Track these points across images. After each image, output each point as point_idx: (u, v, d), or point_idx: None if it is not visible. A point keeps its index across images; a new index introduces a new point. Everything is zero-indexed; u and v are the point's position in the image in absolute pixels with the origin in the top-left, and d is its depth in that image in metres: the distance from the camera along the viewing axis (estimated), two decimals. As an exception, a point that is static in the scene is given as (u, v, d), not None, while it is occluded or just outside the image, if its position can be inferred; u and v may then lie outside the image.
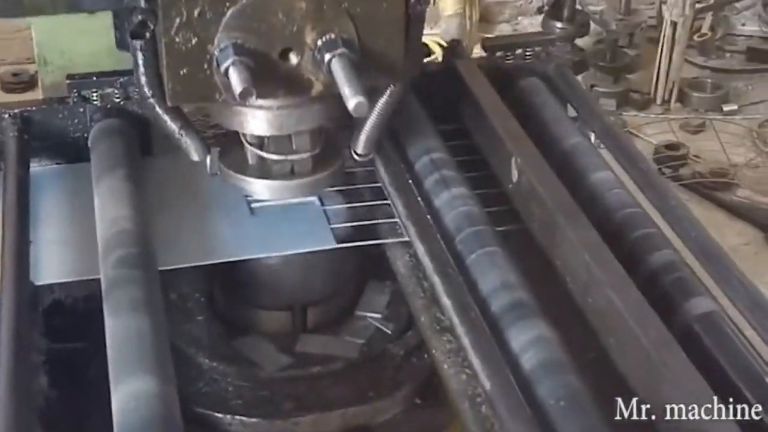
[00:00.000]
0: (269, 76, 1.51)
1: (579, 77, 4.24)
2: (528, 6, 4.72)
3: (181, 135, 1.63)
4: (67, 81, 1.81)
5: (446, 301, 1.47)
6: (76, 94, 1.81)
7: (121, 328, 1.42)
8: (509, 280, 1.48)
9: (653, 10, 4.55)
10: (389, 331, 1.81)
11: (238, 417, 1.66)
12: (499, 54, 1.95)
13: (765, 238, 3.59)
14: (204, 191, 1.78)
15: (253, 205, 1.75)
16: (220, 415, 1.66)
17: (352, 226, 1.73)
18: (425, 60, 1.90)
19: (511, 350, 1.40)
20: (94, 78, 1.82)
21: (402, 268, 1.67)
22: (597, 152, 1.76)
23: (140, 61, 1.54)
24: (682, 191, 3.84)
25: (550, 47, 1.94)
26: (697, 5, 4.42)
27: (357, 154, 1.71)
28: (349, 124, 1.69)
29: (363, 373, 1.74)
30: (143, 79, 1.55)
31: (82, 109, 1.82)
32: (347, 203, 1.77)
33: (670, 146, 4.03)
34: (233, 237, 1.70)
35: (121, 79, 1.80)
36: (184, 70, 1.50)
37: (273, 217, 1.74)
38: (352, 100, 1.42)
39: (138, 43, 1.51)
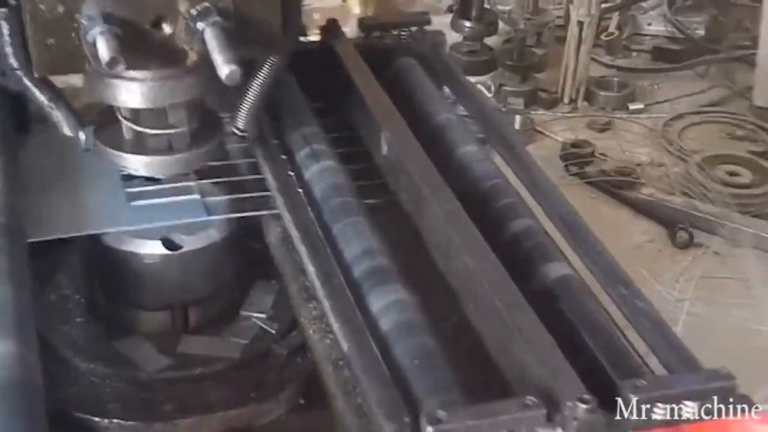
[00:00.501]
0: (141, 47, 1.50)
1: (487, 76, 4.35)
2: (438, 5, 4.77)
3: (52, 108, 1.62)
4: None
5: (310, 269, 1.51)
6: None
7: None
8: (371, 248, 1.52)
9: (561, 9, 4.63)
10: (273, 331, 1.82)
11: (115, 420, 1.65)
12: (376, 34, 1.99)
13: (668, 235, 3.65)
14: (80, 168, 1.80)
15: (128, 189, 1.76)
16: (97, 418, 1.65)
17: (227, 200, 1.77)
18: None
19: (370, 314, 1.44)
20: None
21: (273, 239, 1.71)
22: (466, 127, 1.81)
23: (4, 31, 1.52)
24: (588, 189, 3.90)
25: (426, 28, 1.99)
26: (604, 5, 4.49)
27: (239, 130, 1.72)
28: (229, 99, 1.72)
29: (245, 374, 1.75)
30: (8, 50, 1.54)
31: (-43, 84, 1.81)
32: (222, 177, 1.79)
33: (577, 144, 4.09)
34: (105, 209, 1.71)
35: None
36: (51, 40, 1.49)
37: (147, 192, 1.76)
38: (224, 68, 1.42)
39: (1, 12, 1.50)
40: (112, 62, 1.40)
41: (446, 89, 1.96)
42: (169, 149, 1.69)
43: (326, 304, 1.44)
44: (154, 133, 1.67)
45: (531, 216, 1.60)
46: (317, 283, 1.48)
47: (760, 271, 3.32)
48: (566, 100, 4.42)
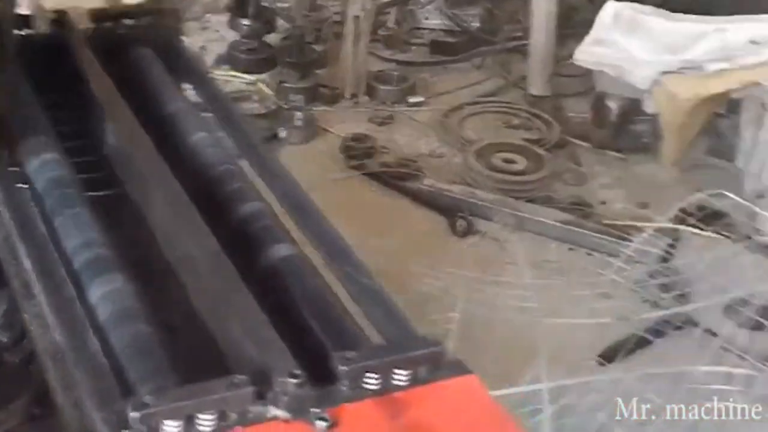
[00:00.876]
0: None
1: (267, 74, 4.34)
2: (216, 3, 4.75)
3: None
4: None
5: (28, 264, 1.48)
6: None
7: None
8: (92, 239, 1.49)
9: (339, 5, 4.66)
10: (4, 339, 1.77)
11: None
12: (108, 25, 1.96)
13: (449, 224, 3.72)
14: None
15: None
16: None
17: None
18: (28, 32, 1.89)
19: (89, 305, 1.41)
20: None
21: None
22: (198, 115, 1.80)
23: None
24: (369, 182, 3.94)
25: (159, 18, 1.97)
26: (382, 0, 4.57)
27: None
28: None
29: None
30: None
31: None
32: None
33: (357, 138, 4.12)
34: None
35: None
36: None
37: None
38: None
39: None
40: None
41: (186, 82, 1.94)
42: None
43: (43, 297, 1.41)
44: None
45: (260, 199, 1.60)
46: (34, 278, 1.44)
47: (531, 253, 3.40)
48: (347, 95, 4.45)
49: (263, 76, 4.34)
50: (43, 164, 1.63)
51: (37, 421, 1.70)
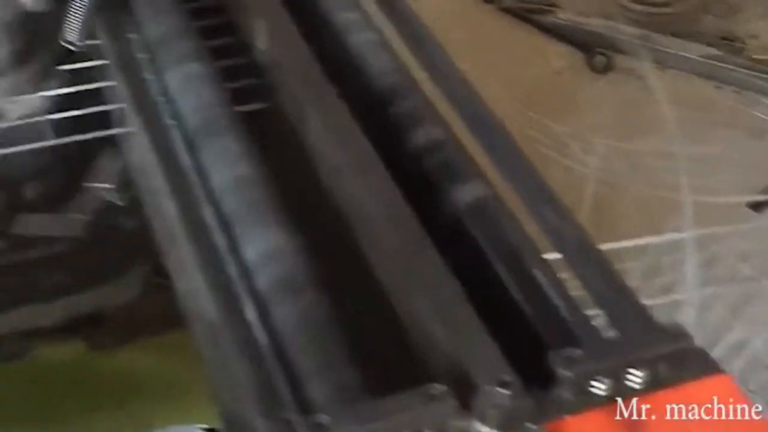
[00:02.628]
0: None
1: None
2: None
3: None
4: None
5: (171, 208, 1.18)
6: None
7: None
8: (243, 175, 1.19)
9: None
10: (121, 203, 1.53)
11: None
12: None
13: (584, 59, 3.37)
14: None
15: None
16: None
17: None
18: None
19: (245, 265, 1.12)
20: None
21: (135, 161, 1.37)
22: (359, 6, 1.45)
23: None
24: (501, 16, 3.57)
25: None
26: None
27: (69, 43, 1.39)
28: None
29: (89, 254, 1.48)
30: None
31: None
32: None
33: (490, -32, 3.73)
34: None
35: None
36: None
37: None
38: None
39: None
40: None
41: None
42: None
43: (190, 257, 1.11)
44: None
45: (439, 121, 1.26)
46: (178, 228, 1.15)
47: (675, 91, 3.06)
48: None
49: None
50: (187, 78, 1.31)
51: (159, 291, 1.47)
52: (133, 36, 1.40)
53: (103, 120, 1.41)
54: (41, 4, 1.15)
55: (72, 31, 1.38)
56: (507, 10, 3.58)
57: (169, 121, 1.29)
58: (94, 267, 1.46)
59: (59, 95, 1.43)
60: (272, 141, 1.31)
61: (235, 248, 1.12)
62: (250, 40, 1.42)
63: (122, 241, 1.48)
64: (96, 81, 1.44)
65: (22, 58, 1.40)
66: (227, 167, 1.19)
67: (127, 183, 1.51)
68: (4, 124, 1.42)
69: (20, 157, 1.43)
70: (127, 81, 1.33)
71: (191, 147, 1.25)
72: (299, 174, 1.26)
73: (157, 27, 1.39)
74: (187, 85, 1.31)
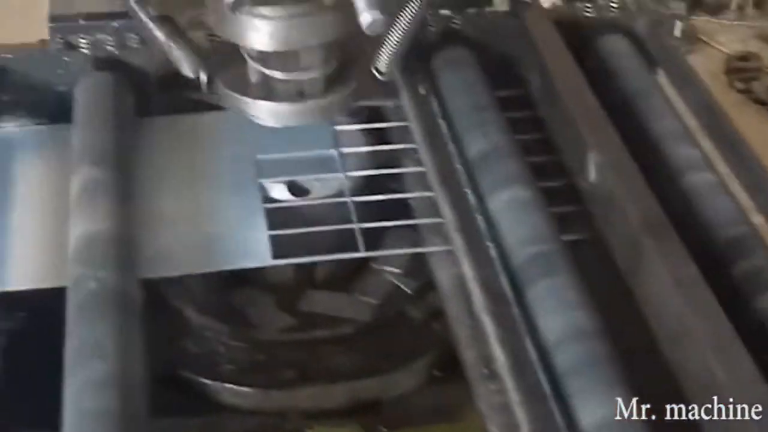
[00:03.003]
0: None
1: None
2: None
3: (170, 46, 1.33)
4: (50, 24, 1.42)
5: (497, 352, 1.09)
6: (60, 41, 1.42)
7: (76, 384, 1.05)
8: (581, 326, 1.09)
9: None
10: (409, 290, 1.48)
11: (228, 385, 1.37)
12: (577, 4, 1.52)
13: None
14: (206, 163, 1.41)
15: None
16: (208, 381, 1.37)
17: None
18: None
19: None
20: (82, 21, 1.42)
21: (444, 281, 1.30)
22: (695, 141, 1.34)
23: None
24: (755, 109, 3.39)
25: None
26: None
27: (379, 72, 1.39)
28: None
29: (375, 340, 1.43)
30: None
31: (67, 59, 1.43)
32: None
33: (744, 57, 3.55)
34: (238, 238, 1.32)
35: (116, 24, 1.41)
36: None
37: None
38: (366, 16, 1.13)
39: None
40: (235, 4, 1.17)
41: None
42: (299, 95, 1.37)
43: (519, 412, 1.03)
44: (284, 78, 1.36)
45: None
46: (507, 378, 1.07)
47: None
48: (734, 6, 3.85)
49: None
50: (511, 201, 1.24)
51: (437, 384, 1.43)
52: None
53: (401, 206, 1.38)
54: (376, 26, 1.11)
55: (382, 61, 1.37)
56: (762, 104, 3.41)
57: (489, 244, 1.22)
58: (380, 353, 1.41)
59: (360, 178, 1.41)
60: (590, 275, 1.21)
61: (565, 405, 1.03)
62: (572, 163, 1.33)
63: (408, 330, 1.44)
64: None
65: (332, 82, 1.37)
66: (561, 314, 1.10)
67: (416, 270, 1.47)
68: (312, 201, 1.41)
69: (321, 234, 1.39)
70: (449, 200, 1.25)
71: (513, 278, 1.17)
72: (629, 324, 1.16)
73: (476, 143, 1.33)
74: (511, 207, 1.23)
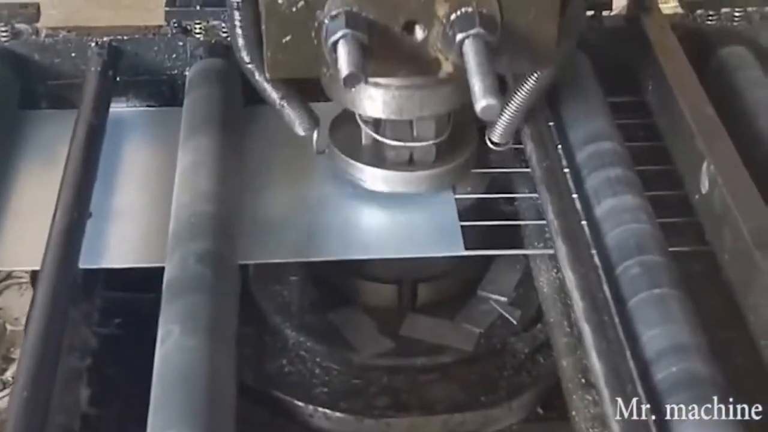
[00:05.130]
0: (389, 52, 1.14)
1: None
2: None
3: (283, 106, 1.26)
4: (166, 8, 1.41)
5: (596, 364, 1.03)
6: (175, 25, 1.41)
7: (170, 355, 1.03)
8: (683, 342, 1.03)
9: None
10: (515, 321, 1.41)
11: (321, 409, 1.31)
12: (699, 12, 1.45)
13: None
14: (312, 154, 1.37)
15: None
16: (300, 403, 1.32)
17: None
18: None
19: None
20: (198, 7, 1.41)
21: (545, 286, 1.24)
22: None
23: (237, 21, 1.17)
24: None
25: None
26: None
27: (492, 142, 1.32)
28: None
29: (476, 371, 1.37)
30: (240, 42, 1.20)
31: (181, 43, 1.42)
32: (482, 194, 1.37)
33: None
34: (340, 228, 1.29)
35: (232, 11, 1.39)
36: (287, 38, 1.14)
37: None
38: (481, 102, 1.05)
39: (234, 1, 1.16)
40: (350, 78, 1.05)
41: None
42: (410, 163, 1.32)
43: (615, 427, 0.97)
44: (396, 145, 1.30)
45: None
46: (604, 390, 1.00)
47: None
48: None
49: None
50: (619, 210, 1.17)
51: (539, 422, 1.36)
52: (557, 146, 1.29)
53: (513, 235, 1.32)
54: (491, 112, 1.05)
55: (497, 132, 1.30)
56: None
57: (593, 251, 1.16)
58: (480, 386, 1.33)
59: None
60: (697, 289, 1.14)
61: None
62: (685, 173, 1.26)
63: (511, 364, 1.36)
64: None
65: (444, 151, 1.31)
66: (664, 328, 1.03)
67: (524, 301, 1.42)
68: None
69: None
70: (554, 205, 1.20)
71: (616, 287, 1.11)
72: (736, 343, 1.09)
73: (588, 144, 1.27)
74: (620, 218, 1.17)
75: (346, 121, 1.33)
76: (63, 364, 1.11)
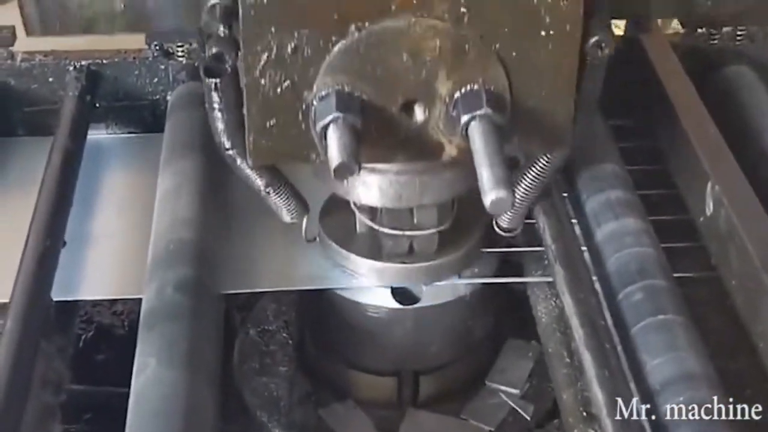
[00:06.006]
0: (385, 135, 1.02)
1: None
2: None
3: (268, 194, 1.15)
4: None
5: (597, 393, 0.97)
6: (156, 48, 1.36)
7: (146, 389, 0.97)
8: (690, 371, 0.97)
9: None
10: (528, 416, 1.28)
11: None
12: (701, 31, 1.40)
13: None
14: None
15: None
16: None
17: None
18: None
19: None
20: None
21: (544, 315, 1.18)
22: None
23: (215, 104, 1.04)
24: None
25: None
26: None
27: (500, 228, 1.21)
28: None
29: None
30: (219, 126, 1.07)
31: (163, 66, 1.37)
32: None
33: None
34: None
35: (213, 32, 1.33)
36: (272, 122, 1.02)
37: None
38: (491, 195, 0.91)
39: (212, 82, 1.02)
40: (340, 169, 0.93)
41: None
42: (410, 254, 1.20)
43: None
44: (395, 234, 1.18)
45: None
46: (606, 421, 0.94)
47: None
48: None
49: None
50: (620, 234, 1.12)
51: None
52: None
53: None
54: (501, 206, 0.95)
55: (504, 219, 1.20)
56: None
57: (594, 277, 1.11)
58: None
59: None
60: (702, 315, 1.09)
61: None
62: (689, 195, 1.21)
63: None
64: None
65: (447, 239, 1.20)
66: (668, 356, 0.98)
67: (537, 393, 1.29)
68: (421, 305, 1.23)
69: (426, 346, 1.28)
70: (551, 229, 1.14)
71: (618, 314, 1.05)
72: (744, 371, 1.03)
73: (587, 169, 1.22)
74: (621, 241, 1.11)
75: (339, 204, 1.22)
76: (35, 399, 1.06)
